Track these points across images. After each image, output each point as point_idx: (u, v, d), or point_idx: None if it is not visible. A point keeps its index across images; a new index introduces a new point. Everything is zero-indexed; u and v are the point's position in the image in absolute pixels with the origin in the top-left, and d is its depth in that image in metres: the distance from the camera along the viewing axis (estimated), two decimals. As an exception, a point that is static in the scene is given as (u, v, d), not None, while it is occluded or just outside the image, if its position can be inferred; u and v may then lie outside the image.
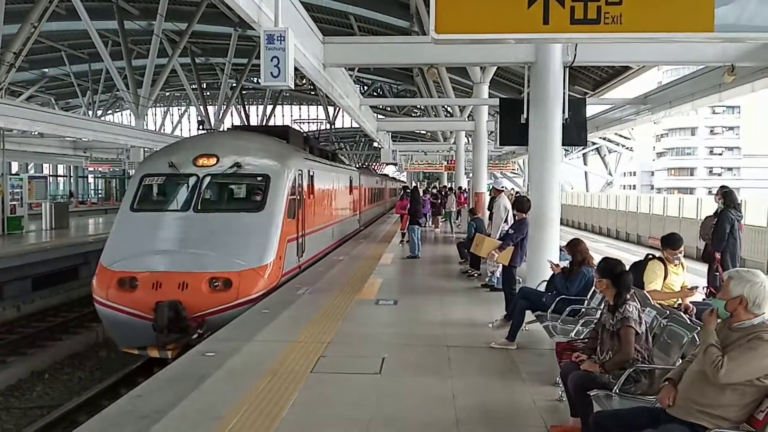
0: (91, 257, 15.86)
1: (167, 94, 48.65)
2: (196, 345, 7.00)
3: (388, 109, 41.94)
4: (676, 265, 6.01)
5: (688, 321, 4.47)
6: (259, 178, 10.53)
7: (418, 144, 46.67)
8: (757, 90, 11.50)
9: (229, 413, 4.80)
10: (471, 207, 17.40)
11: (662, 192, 67.67)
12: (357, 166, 30.46)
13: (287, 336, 7.20)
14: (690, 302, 5.88)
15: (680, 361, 4.12)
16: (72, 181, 52.18)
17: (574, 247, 6.85)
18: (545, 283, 7.41)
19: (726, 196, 8.54)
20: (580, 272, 6.71)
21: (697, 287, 6.01)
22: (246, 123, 41.12)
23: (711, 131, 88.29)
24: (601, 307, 5.68)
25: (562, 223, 10.42)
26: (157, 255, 9.26)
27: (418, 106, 39.98)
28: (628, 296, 4.37)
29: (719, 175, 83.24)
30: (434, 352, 6.70)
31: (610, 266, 4.54)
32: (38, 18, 17.63)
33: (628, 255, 4.74)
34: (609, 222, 30.43)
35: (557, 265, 7.24)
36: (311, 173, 13.12)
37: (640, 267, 6.00)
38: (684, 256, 6.16)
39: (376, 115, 28.50)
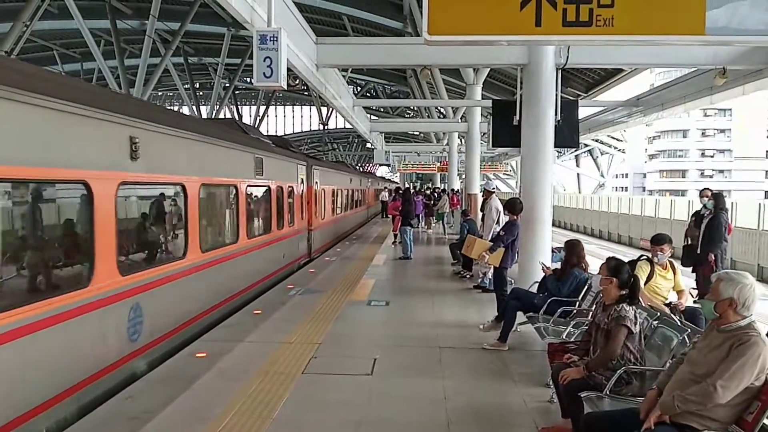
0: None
1: (160, 93, 48.40)
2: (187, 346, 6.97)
3: (382, 110, 41.98)
4: (665, 268, 6.03)
5: (679, 323, 4.49)
6: None
7: (411, 145, 46.70)
8: (748, 93, 11.62)
9: (219, 414, 4.78)
10: (463, 208, 17.44)
11: (654, 194, 68.03)
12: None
13: (278, 337, 7.17)
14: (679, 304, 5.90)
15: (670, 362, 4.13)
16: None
17: (572, 248, 6.86)
18: (537, 284, 7.43)
19: (717, 198, 8.59)
20: (572, 273, 6.73)
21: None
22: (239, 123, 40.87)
23: (703, 133, 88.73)
24: (593, 308, 5.70)
25: (553, 225, 10.45)
26: None
27: (412, 108, 40.04)
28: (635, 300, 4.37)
29: (710, 177, 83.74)
30: (426, 353, 6.70)
31: (620, 267, 4.50)
32: (30, 17, 17.49)
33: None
34: (601, 224, 30.57)
35: (548, 267, 7.27)
36: None
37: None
38: (672, 256, 6.19)
39: (369, 116, 28.52)
